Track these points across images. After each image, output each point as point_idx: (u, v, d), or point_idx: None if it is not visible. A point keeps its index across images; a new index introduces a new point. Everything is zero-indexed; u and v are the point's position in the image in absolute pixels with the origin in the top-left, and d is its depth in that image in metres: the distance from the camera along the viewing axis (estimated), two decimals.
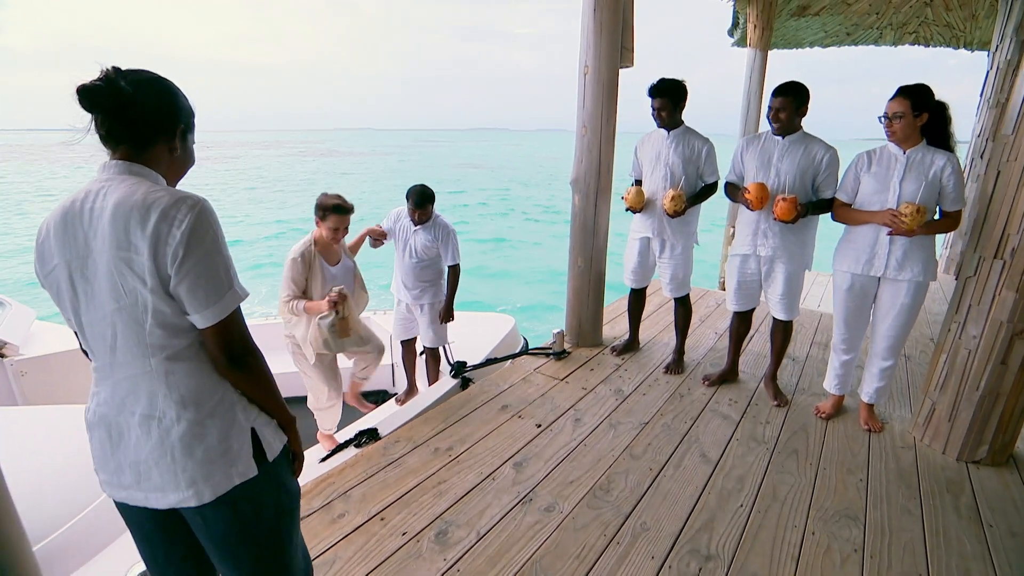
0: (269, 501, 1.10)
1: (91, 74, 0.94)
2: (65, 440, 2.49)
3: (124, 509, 1.11)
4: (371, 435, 2.50)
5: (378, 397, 4.02)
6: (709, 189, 2.95)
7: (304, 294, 2.70)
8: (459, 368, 3.23)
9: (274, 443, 1.10)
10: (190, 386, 1.00)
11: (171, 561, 1.17)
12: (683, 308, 3.23)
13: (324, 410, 3.01)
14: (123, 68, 0.98)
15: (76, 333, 1.05)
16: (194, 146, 1.12)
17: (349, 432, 2.68)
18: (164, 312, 0.96)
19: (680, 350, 3.30)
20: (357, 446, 2.44)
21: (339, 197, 2.67)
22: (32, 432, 2.49)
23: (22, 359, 3.53)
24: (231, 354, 1.00)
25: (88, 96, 0.94)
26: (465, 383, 3.21)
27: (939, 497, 2.18)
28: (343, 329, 2.70)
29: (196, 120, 1.09)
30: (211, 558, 1.14)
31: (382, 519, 1.98)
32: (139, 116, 0.99)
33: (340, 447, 2.46)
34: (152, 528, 1.13)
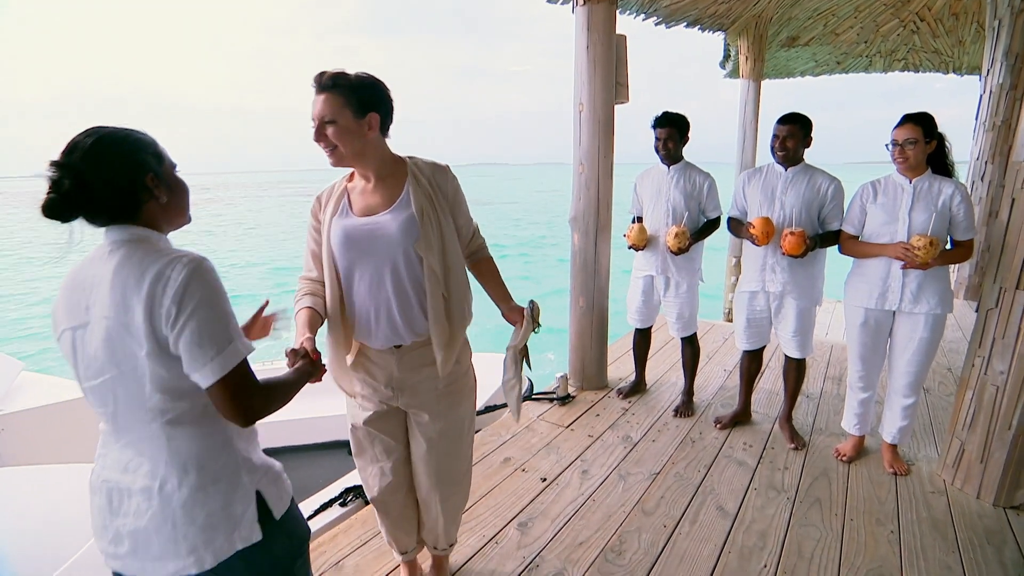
0: (279, 555, 1.07)
1: (41, 186, 0.90)
2: (35, 505, 2.34)
3: None
4: (358, 493, 2.33)
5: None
6: (712, 225, 2.87)
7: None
8: None
9: (281, 499, 1.08)
10: (192, 451, 0.97)
11: None
12: (691, 348, 3.10)
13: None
14: (65, 152, 0.91)
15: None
16: (177, 172, 1.04)
17: (334, 490, 2.36)
18: (162, 376, 0.93)
19: (689, 391, 3.16)
20: (342, 505, 2.26)
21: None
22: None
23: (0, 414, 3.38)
24: (243, 413, 0.95)
25: (54, 213, 0.90)
26: None
27: (980, 550, 2.01)
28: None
29: (162, 149, 1.01)
30: None
31: None
32: (109, 196, 0.93)
33: (323, 507, 2.25)
34: None
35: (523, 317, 1.63)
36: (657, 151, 2.85)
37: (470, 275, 1.62)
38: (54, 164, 0.90)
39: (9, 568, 1.99)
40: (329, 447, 3.95)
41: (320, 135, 1.32)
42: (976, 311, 2.32)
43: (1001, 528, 2.13)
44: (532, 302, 1.67)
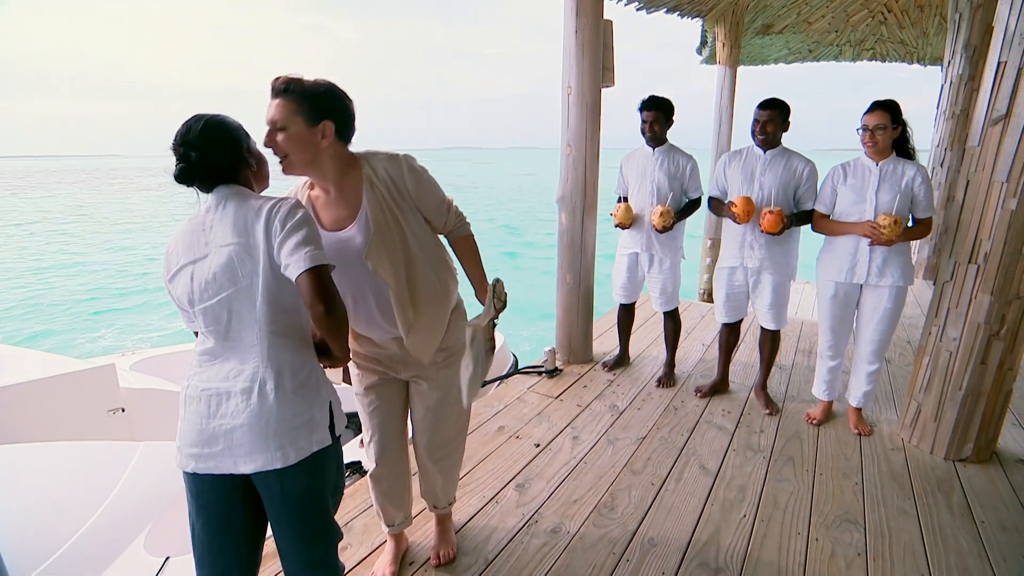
0: (331, 472, 1.27)
1: (170, 158, 1.18)
2: (17, 486, 2.28)
3: (199, 483, 1.21)
4: (355, 469, 2.40)
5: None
6: (693, 204, 3.02)
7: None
8: None
9: (342, 419, 1.27)
10: (287, 358, 1.18)
11: (226, 543, 1.26)
12: (672, 322, 3.27)
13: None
14: (182, 134, 1.16)
15: (195, 320, 1.22)
16: (259, 147, 1.29)
17: None
18: (271, 287, 1.15)
19: (671, 363, 3.33)
20: None
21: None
22: None
23: None
24: (328, 301, 1.11)
25: (185, 179, 1.18)
26: None
27: (931, 496, 2.24)
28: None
29: (245, 129, 1.25)
30: (276, 524, 1.25)
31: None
32: (220, 162, 1.19)
33: None
34: (222, 499, 1.23)
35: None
36: (643, 133, 2.97)
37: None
38: (179, 145, 1.17)
39: None
40: None
41: (271, 140, 1.29)
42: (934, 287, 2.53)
43: (950, 478, 2.37)
44: (497, 280, 1.58)
